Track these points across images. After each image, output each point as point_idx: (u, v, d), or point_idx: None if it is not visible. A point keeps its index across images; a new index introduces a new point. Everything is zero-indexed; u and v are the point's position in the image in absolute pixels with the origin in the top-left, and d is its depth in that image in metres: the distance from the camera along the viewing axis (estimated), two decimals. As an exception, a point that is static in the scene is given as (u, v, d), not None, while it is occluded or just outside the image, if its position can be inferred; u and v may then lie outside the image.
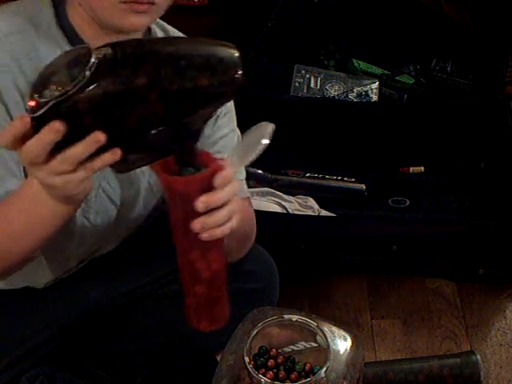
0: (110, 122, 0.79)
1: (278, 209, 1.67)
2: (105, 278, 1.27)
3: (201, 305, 0.98)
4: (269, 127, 0.87)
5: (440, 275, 1.70)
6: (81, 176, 0.81)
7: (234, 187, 0.89)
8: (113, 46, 0.79)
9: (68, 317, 1.24)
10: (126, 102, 0.78)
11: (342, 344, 1.13)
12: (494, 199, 1.75)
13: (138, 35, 1.06)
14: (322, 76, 2.03)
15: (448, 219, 1.73)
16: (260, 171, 1.76)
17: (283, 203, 1.69)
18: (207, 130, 1.11)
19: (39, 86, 0.78)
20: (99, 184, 1.13)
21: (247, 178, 1.29)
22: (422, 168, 1.88)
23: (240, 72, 0.82)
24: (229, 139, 1.21)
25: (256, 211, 1.62)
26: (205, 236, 0.88)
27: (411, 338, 1.58)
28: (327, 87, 2.01)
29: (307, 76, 2.02)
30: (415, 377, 1.41)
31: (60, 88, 0.76)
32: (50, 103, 0.76)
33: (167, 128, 0.82)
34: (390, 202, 1.79)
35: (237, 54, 0.82)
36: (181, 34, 1.18)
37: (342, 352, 1.12)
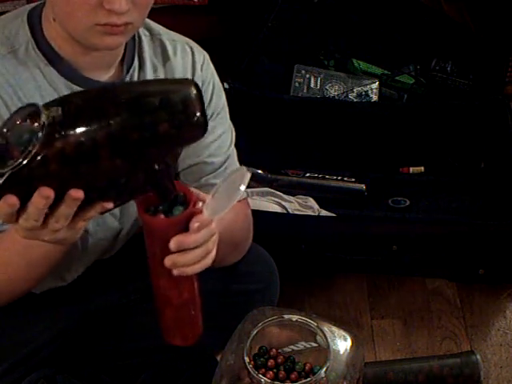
0: (79, 178, 0.78)
1: (278, 209, 1.67)
2: (105, 281, 1.27)
3: (170, 324, 0.99)
4: (247, 174, 0.87)
5: (440, 275, 1.70)
6: (80, 226, 0.84)
7: (211, 230, 0.91)
8: (62, 102, 0.78)
9: (68, 319, 1.24)
10: (85, 161, 0.77)
11: (342, 344, 1.13)
12: (494, 199, 1.75)
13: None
14: (322, 76, 2.03)
15: (448, 219, 1.73)
16: (260, 171, 1.76)
17: (283, 203, 1.69)
18: None
19: None
20: None
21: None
22: (422, 168, 1.88)
23: (198, 112, 0.79)
24: (222, 140, 1.20)
25: (256, 211, 1.61)
26: (175, 272, 0.90)
27: (411, 338, 1.57)
28: (327, 87, 2.01)
29: (307, 76, 2.02)
30: (415, 377, 1.41)
31: (13, 159, 0.75)
32: (7, 174, 0.75)
33: (136, 174, 0.82)
34: (389, 202, 1.79)
35: (194, 91, 0.79)
36: (167, 32, 1.16)
37: (342, 352, 1.12)
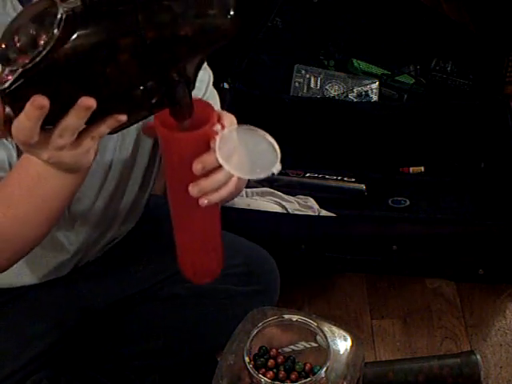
0: (91, 84, 0.69)
1: (278, 209, 1.67)
2: (104, 283, 1.27)
3: (190, 258, 0.96)
4: (277, 164, 0.87)
5: (440, 275, 1.70)
6: (88, 145, 0.76)
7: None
8: None
9: (71, 317, 1.24)
10: (101, 58, 0.68)
11: (342, 344, 1.13)
12: (494, 199, 1.75)
13: None
14: (321, 76, 2.03)
15: (448, 219, 1.73)
16: (260, 171, 1.76)
17: (283, 203, 1.69)
18: None
19: (3, 50, 0.68)
20: None
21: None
22: (422, 168, 1.88)
23: (232, 12, 0.71)
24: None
25: (256, 211, 1.62)
26: (202, 201, 0.83)
27: (411, 338, 1.57)
28: (327, 87, 2.01)
29: (307, 76, 2.02)
30: (415, 377, 1.41)
31: (26, 53, 0.66)
32: (18, 71, 0.66)
33: (155, 82, 0.74)
34: (389, 201, 1.79)
35: None
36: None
37: (342, 352, 1.12)
